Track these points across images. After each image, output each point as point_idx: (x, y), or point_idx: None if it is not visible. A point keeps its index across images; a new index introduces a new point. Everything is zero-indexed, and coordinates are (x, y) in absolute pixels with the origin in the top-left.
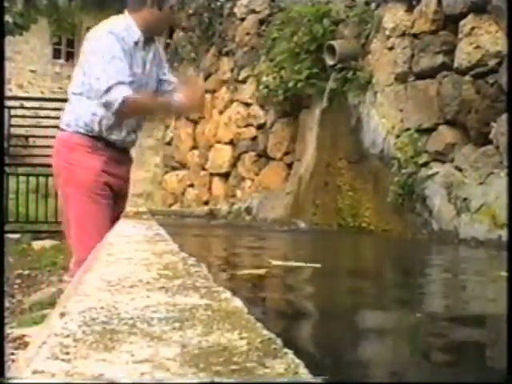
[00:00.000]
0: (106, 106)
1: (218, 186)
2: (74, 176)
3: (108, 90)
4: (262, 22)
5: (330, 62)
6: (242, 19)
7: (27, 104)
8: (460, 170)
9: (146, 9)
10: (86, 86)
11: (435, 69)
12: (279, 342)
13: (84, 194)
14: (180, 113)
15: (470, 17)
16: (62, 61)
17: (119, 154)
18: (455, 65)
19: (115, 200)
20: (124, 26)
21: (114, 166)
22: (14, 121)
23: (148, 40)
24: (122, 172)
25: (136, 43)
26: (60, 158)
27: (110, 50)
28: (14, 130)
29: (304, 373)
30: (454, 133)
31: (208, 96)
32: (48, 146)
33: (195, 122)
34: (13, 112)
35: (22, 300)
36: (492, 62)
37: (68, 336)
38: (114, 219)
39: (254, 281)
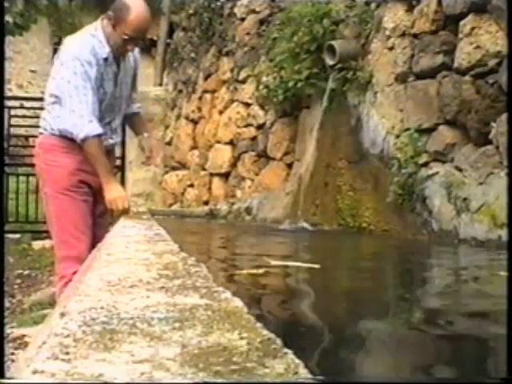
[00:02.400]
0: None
1: (218, 185)
2: (50, 176)
3: (74, 126)
4: (262, 22)
5: (330, 61)
6: (242, 19)
7: (27, 104)
8: (460, 170)
9: (107, 20)
10: (59, 98)
11: (435, 69)
12: (279, 341)
13: (60, 193)
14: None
15: (470, 17)
16: None
17: None
18: (455, 65)
19: (97, 198)
20: (93, 44)
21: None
22: (13, 121)
23: (122, 54)
24: None
25: (106, 59)
26: (38, 160)
27: (76, 82)
28: (13, 130)
29: (304, 373)
30: (454, 133)
31: (208, 96)
32: None
33: (195, 122)
34: (13, 112)
35: (21, 300)
36: (492, 62)
37: (68, 336)
38: (100, 216)
39: (253, 280)
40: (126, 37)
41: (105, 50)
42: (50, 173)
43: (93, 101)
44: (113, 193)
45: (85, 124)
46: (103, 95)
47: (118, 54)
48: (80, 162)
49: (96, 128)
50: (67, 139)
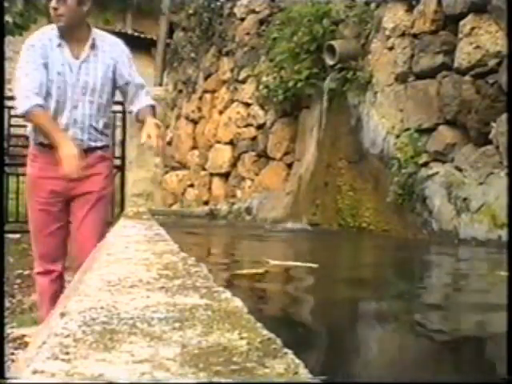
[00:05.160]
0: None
1: (217, 185)
2: (26, 186)
3: (17, 104)
4: (262, 22)
5: (330, 61)
6: (242, 19)
7: None
8: (460, 170)
9: None
10: None
11: (435, 69)
12: (279, 342)
13: (30, 202)
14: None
15: (470, 17)
16: None
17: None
18: (455, 65)
19: (74, 201)
20: (45, 31)
21: (53, 169)
22: (13, 121)
23: (74, 36)
24: None
25: (59, 45)
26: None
27: (21, 64)
28: (13, 130)
29: (304, 373)
30: (454, 133)
31: (208, 96)
32: None
33: (195, 122)
34: (13, 112)
35: (21, 300)
36: (492, 62)
37: (68, 336)
38: (83, 219)
39: (253, 280)
40: None
41: (53, 34)
42: (26, 183)
43: (39, 80)
44: (62, 151)
45: (21, 100)
46: (57, 76)
47: (71, 32)
48: (40, 169)
49: (32, 100)
50: (35, 146)
